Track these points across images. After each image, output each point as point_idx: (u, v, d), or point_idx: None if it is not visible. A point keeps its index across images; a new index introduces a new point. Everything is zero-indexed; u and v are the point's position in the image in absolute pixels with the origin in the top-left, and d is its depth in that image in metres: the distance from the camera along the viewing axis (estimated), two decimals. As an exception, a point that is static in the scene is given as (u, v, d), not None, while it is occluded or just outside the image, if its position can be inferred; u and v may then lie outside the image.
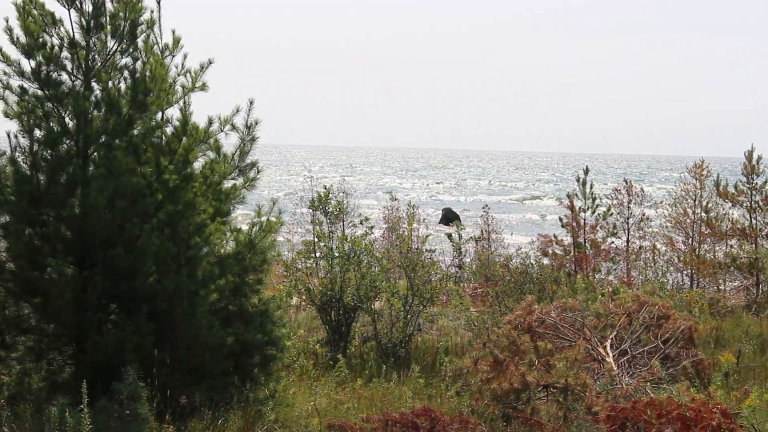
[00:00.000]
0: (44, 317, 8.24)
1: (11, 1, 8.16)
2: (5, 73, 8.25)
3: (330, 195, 14.41)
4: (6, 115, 8.21)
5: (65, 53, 8.28)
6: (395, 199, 25.06)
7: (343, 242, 13.52)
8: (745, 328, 13.75)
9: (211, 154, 8.95)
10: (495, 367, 9.46)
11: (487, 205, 26.06)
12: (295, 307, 14.65)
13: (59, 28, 8.28)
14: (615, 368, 9.91)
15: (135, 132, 8.33)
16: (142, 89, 8.25)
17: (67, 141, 8.21)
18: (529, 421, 8.63)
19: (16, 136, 8.14)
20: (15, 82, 8.26)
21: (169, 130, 8.57)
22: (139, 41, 8.44)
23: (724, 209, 20.48)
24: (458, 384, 10.22)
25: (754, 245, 18.90)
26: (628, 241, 21.97)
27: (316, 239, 14.27)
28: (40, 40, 8.17)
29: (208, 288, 8.27)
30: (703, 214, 20.97)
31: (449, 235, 22.81)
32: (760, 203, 19.31)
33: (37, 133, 8.14)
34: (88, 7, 8.26)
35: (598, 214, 20.63)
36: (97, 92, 8.29)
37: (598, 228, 20.63)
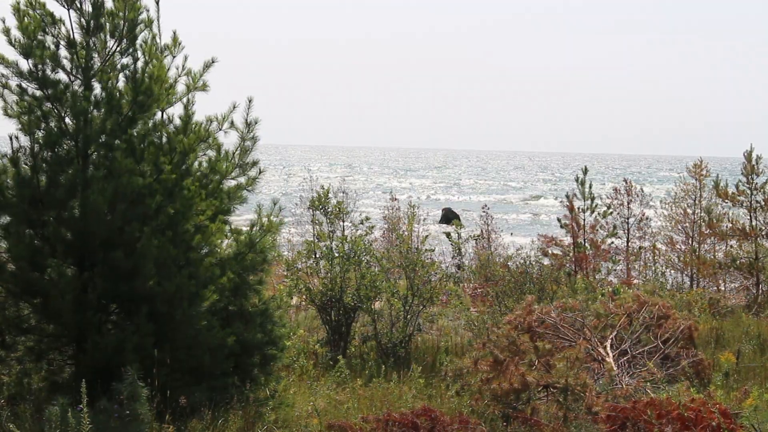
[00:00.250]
0: (44, 317, 8.23)
1: (10, 2, 8.16)
2: (3, 75, 8.24)
3: (329, 195, 14.41)
4: (6, 113, 8.20)
5: (64, 53, 8.28)
6: (395, 199, 25.07)
7: (343, 242, 13.52)
8: (745, 328, 13.75)
9: (211, 153, 8.94)
10: (495, 367, 9.46)
11: (486, 205, 26.07)
12: (295, 307, 14.64)
13: (59, 28, 8.27)
14: (615, 368, 9.91)
15: (135, 132, 8.32)
16: (143, 89, 8.25)
17: (67, 141, 8.20)
18: (529, 421, 8.63)
19: (17, 138, 8.14)
20: (14, 82, 8.26)
21: (170, 129, 8.56)
22: (139, 41, 8.43)
23: (723, 209, 20.48)
24: (458, 384, 10.22)
25: (754, 245, 18.89)
26: (628, 241, 21.98)
27: (315, 239, 14.27)
28: (38, 39, 8.15)
29: (208, 288, 8.27)
30: (704, 215, 20.98)
31: (448, 234, 22.81)
32: (761, 203, 19.31)
33: (38, 134, 8.13)
34: (88, 7, 8.26)
35: (598, 214, 20.65)
36: (97, 92, 8.29)
37: (597, 228, 20.65)
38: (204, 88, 8.84)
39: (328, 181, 16.76)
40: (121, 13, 8.28)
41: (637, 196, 22.42)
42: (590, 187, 20.51)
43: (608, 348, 10.40)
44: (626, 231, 22.03)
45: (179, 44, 8.72)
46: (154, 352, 7.83)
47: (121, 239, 7.99)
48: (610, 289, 15.38)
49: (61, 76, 8.26)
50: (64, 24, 8.28)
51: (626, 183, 22.76)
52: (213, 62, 8.85)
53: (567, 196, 20.84)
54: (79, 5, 8.24)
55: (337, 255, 13.35)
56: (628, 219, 22.14)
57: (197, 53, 9.02)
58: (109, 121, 8.13)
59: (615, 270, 20.82)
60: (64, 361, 8.55)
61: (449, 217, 43.29)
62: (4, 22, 8.18)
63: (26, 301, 8.26)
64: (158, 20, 8.55)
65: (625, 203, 22.20)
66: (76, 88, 8.22)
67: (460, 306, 14.46)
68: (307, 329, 13.85)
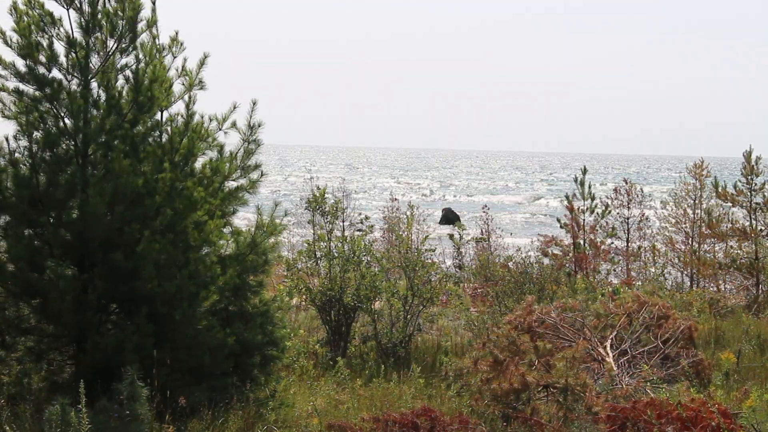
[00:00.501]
0: (44, 318, 8.23)
1: (9, 2, 8.16)
2: (0, 76, 8.24)
3: (326, 195, 14.39)
4: (3, 115, 8.19)
5: (63, 53, 8.27)
6: (395, 199, 25.06)
7: (343, 242, 13.52)
8: (745, 328, 13.73)
9: (211, 153, 8.93)
10: (495, 367, 9.46)
11: (486, 206, 26.07)
12: (295, 307, 14.64)
13: (58, 28, 8.26)
14: (615, 368, 9.91)
15: (134, 131, 8.31)
16: (142, 89, 8.24)
17: (66, 141, 8.19)
18: (529, 421, 8.62)
19: (16, 138, 8.13)
20: (11, 83, 8.25)
21: (170, 129, 8.55)
22: (138, 41, 8.42)
23: (723, 209, 20.48)
24: (458, 384, 10.21)
25: (754, 245, 18.89)
26: (628, 241, 21.98)
27: (315, 237, 14.25)
28: (37, 39, 8.14)
29: (208, 289, 8.26)
30: (704, 215, 20.98)
31: (451, 236, 22.88)
32: (761, 204, 19.31)
33: (37, 135, 8.12)
34: (87, 7, 8.25)
35: (597, 214, 20.65)
36: (96, 92, 8.28)
37: (597, 228, 20.65)
38: (201, 86, 8.82)
39: (327, 182, 16.75)
40: (120, 12, 8.27)
41: (637, 196, 22.41)
42: (590, 187, 20.52)
43: (608, 348, 10.40)
44: (626, 231, 22.02)
45: (180, 44, 8.72)
46: (154, 352, 7.82)
47: (121, 240, 7.99)
48: (610, 289, 15.39)
49: (60, 76, 8.27)
50: (63, 24, 8.28)
51: (626, 183, 22.76)
52: (206, 57, 8.84)
53: (567, 197, 20.85)
54: (78, 4, 8.23)
55: (336, 255, 13.34)
56: (628, 219, 22.14)
57: (197, 53, 9.02)
58: (109, 121, 8.13)
59: (615, 270, 20.82)
60: (64, 362, 8.55)
61: (449, 217, 43.30)
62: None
63: (26, 301, 8.26)
64: (156, 19, 8.55)
65: (625, 203, 22.20)
66: (75, 87, 8.22)
67: (460, 306, 14.46)
68: (307, 329, 13.85)
